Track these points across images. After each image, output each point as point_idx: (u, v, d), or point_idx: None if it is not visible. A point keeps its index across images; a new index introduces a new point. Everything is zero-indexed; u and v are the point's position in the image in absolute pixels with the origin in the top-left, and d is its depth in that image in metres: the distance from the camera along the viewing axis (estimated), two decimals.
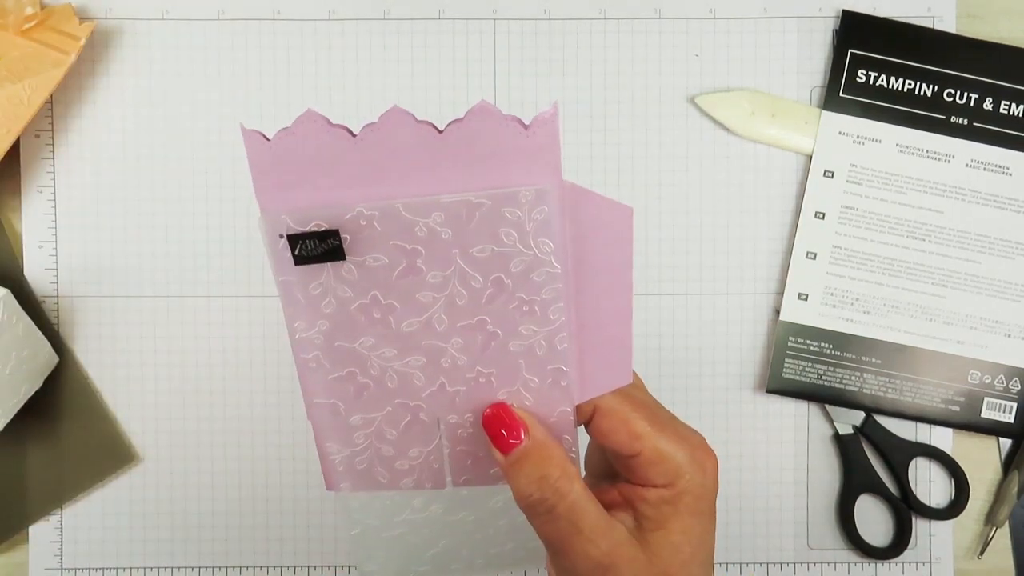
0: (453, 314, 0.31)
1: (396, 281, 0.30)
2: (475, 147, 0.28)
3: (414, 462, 0.34)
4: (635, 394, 0.33)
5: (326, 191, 0.28)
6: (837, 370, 0.46)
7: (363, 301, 0.30)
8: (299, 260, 0.29)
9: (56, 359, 0.45)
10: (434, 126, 0.27)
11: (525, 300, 0.30)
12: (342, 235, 0.29)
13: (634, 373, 0.34)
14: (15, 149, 0.45)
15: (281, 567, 0.46)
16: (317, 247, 0.29)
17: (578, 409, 0.32)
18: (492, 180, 0.28)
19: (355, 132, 0.28)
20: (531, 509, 0.31)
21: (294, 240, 0.29)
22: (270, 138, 0.28)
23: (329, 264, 0.30)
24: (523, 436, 0.31)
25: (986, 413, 0.46)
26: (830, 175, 0.46)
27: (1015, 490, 0.46)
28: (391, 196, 0.29)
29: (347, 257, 0.29)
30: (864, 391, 0.46)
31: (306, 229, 0.29)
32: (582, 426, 0.33)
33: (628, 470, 0.32)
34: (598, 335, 0.32)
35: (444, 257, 0.30)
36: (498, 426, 0.31)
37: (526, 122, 0.27)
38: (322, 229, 0.29)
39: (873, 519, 0.47)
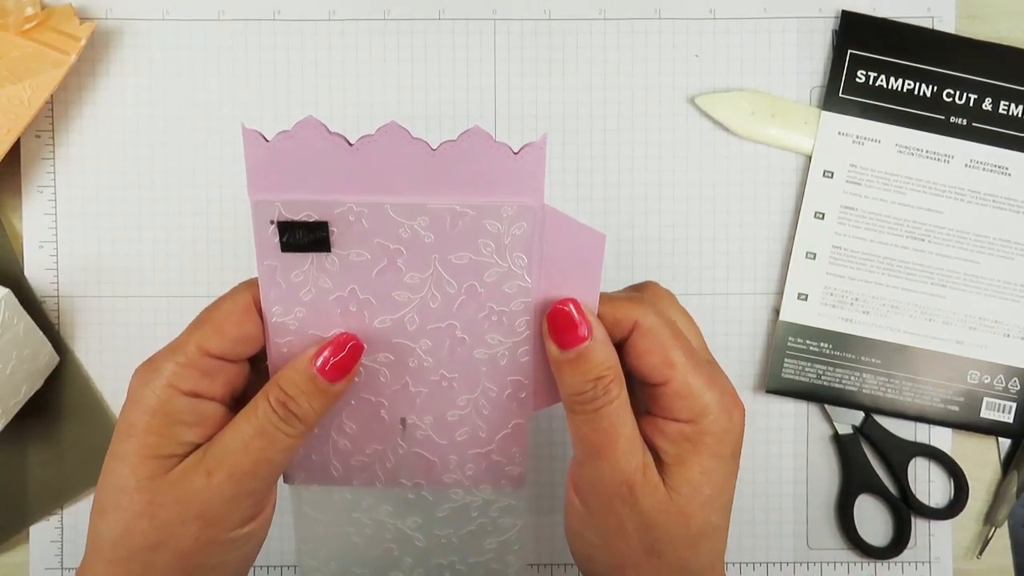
0: (425, 316, 0.32)
1: (375, 278, 0.31)
2: (465, 166, 0.29)
3: (369, 459, 0.34)
4: (682, 328, 0.33)
5: (318, 193, 0.29)
6: (836, 370, 0.46)
7: (341, 294, 0.31)
8: (286, 247, 0.30)
9: (57, 359, 0.45)
10: (428, 144, 0.28)
11: (495, 310, 0.31)
12: (330, 228, 0.30)
13: (692, 319, 0.34)
14: (15, 149, 0.45)
15: (282, 567, 0.47)
16: (305, 236, 0.30)
17: (616, 323, 0.32)
18: (478, 197, 0.29)
19: (352, 141, 0.29)
20: (579, 406, 0.31)
21: (283, 228, 0.30)
22: (269, 139, 0.29)
23: (313, 254, 0.30)
24: (588, 335, 0.31)
25: (985, 413, 0.46)
26: (830, 175, 0.46)
27: (1014, 490, 0.46)
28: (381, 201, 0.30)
29: (332, 249, 0.30)
30: (863, 391, 0.46)
31: (296, 218, 0.30)
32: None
33: (653, 399, 0.32)
34: None
35: (424, 260, 0.31)
36: (564, 321, 0.31)
37: (515, 149, 0.28)
38: (311, 220, 0.30)
39: (872, 519, 0.47)
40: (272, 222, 0.30)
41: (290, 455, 0.31)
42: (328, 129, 0.28)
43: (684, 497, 0.31)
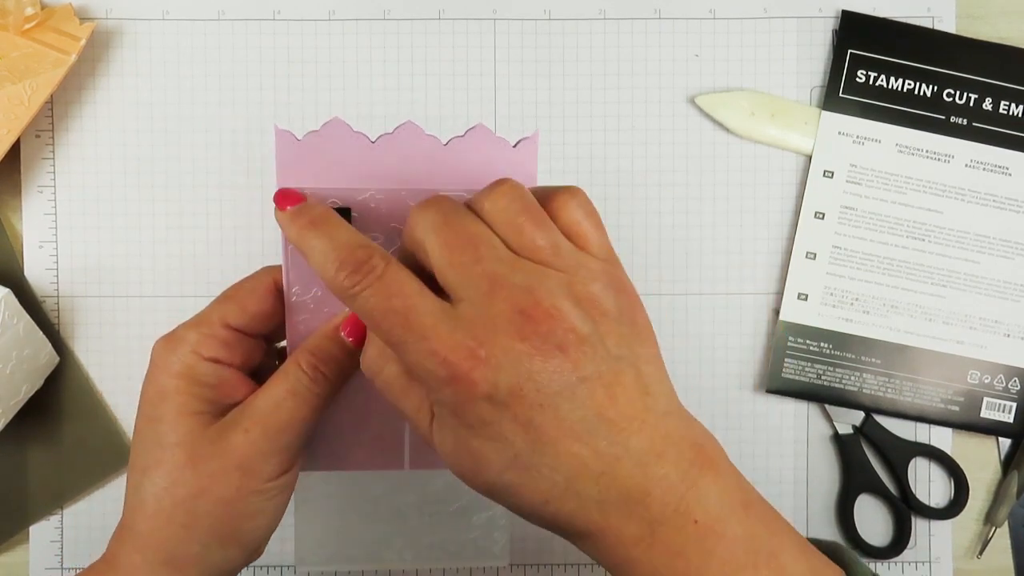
0: None
1: None
2: (471, 158, 0.33)
3: (375, 437, 0.36)
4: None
5: (343, 183, 0.33)
6: (837, 370, 0.46)
7: None
8: None
9: (57, 359, 0.45)
10: (439, 139, 0.33)
11: None
12: (352, 213, 0.33)
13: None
14: (15, 149, 0.45)
15: (281, 567, 0.47)
16: None
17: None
18: (483, 184, 0.32)
19: (373, 139, 0.32)
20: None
21: None
22: (300, 138, 0.32)
23: None
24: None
25: (985, 413, 0.46)
26: (830, 175, 0.46)
27: (1014, 490, 0.46)
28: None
29: None
30: (864, 391, 0.46)
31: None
32: None
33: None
34: None
35: None
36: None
37: (512, 143, 0.33)
38: (336, 206, 0.33)
39: (873, 519, 0.47)
40: None
41: (318, 414, 0.34)
42: (352, 128, 0.32)
43: None
